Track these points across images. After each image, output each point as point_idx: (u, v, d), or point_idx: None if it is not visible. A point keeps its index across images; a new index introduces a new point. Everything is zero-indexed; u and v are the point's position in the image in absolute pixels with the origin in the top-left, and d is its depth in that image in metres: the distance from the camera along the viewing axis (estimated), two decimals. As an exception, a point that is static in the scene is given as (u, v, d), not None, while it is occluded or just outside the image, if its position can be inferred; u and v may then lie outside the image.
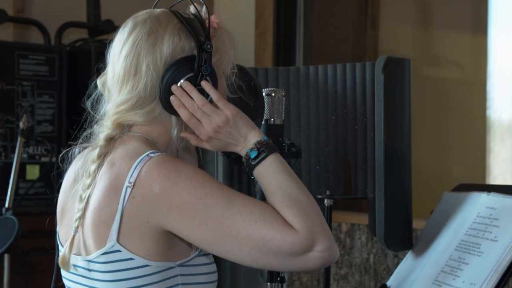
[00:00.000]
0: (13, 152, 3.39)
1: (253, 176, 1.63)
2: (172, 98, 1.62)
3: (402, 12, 4.95)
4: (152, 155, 1.56)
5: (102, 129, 1.65)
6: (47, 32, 3.80)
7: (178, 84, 1.61)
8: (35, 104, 3.53)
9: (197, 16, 1.67)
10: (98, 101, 1.71)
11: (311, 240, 1.50)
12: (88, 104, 1.72)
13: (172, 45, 1.62)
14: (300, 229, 1.50)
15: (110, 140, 1.64)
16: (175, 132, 1.66)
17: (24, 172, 3.49)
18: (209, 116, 1.62)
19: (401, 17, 4.93)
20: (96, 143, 1.65)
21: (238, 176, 2.28)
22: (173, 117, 1.65)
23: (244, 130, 1.63)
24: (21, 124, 3.13)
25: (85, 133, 1.70)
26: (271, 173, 1.59)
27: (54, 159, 3.54)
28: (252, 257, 1.51)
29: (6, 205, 3.00)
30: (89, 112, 1.71)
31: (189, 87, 1.62)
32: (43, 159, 3.55)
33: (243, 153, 1.63)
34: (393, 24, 4.81)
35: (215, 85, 1.64)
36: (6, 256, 2.98)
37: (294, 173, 1.60)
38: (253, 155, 1.60)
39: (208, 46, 1.63)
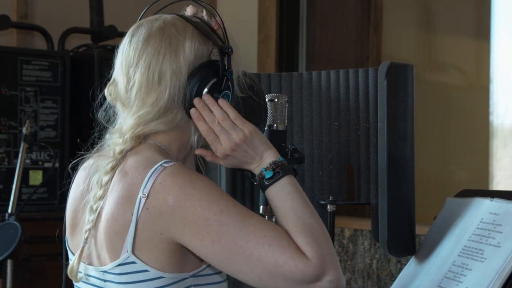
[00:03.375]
0: (16, 157, 3.39)
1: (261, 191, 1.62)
2: (192, 110, 1.61)
3: (405, 17, 4.95)
4: (165, 165, 1.54)
5: (117, 141, 1.62)
6: (50, 38, 3.80)
7: (204, 92, 1.61)
8: (38, 109, 3.53)
9: (204, 20, 1.67)
10: (107, 111, 1.70)
11: (322, 269, 1.49)
12: (101, 115, 1.70)
13: (193, 51, 1.61)
14: (312, 258, 1.49)
15: (126, 152, 1.62)
16: (196, 137, 1.65)
17: (27, 178, 3.49)
18: (228, 132, 1.61)
19: (403, 22, 4.93)
20: (110, 155, 1.62)
21: (241, 183, 2.28)
22: (192, 123, 1.64)
23: (261, 149, 1.62)
24: (24, 130, 3.13)
25: (99, 144, 1.68)
26: (284, 195, 1.58)
27: (57, 165, 3.54)
28: (261, 279, 1.50)
29: (9, 210, 3.00)
30: (101, 123, 1.69)
31: (210, 100, 1.61)
32: (46, 165, 3.55)
33: (257, 171, 1.62)
34: (396, 29, 4.81)
35: (233, 88, 1.65)
36: (9, 262, 2.98)
37: (307, 197, 1.59)
38: (268, 175, 1.59)
39: (230, 50, 1.62)
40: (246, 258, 1.49)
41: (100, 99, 1.70)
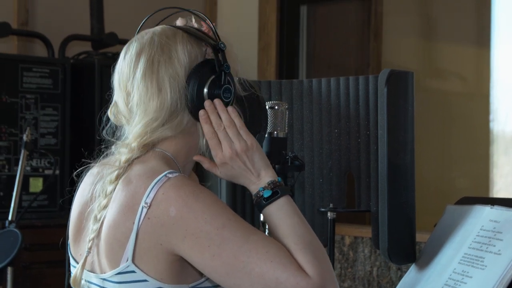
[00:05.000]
0: (17, 164, 3.39)
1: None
2: (201, 112, 1.62)
3: (405, 24, 4.96)
4: (169, 175, 1.54)
5: (124, 150, 1.62)
6: (51, 45, 3.81)
7: (205, 91, 1.61)
8: (39, 117, 3.53)
9: (193, 26, 1.68)
10: (111, 128, 1.70)
11: (323, 287, 1.49)
12: (105, 133, 1.69)
13: (187, 53, 1.62)
14: (313, 276, 1.49)
15: (132, 161, 1.62)
16: (204, 141, 1.65)
17: (28, 185, 3.49)
18: (231, 140, 1.62)
19: (404, 30, 4.94)
20: (116, 164, 1.62)
21: (241, 193, 2.28)
22: (200, 125, 1.64)
23: (259, 165, 1.63)
24: (24, 137, 3.13)
25: (105, 153, 1.68)
26: (283, 214, 1.58)
27: (57, 172, 3.54)
28: None
29: (10, 217, 3.00)
30: (107, 138, 1.69)
31: (220, 106, 1.62)
32: (47, 172, 3.55)
33: (253, 190, 1.63)
34: (396, 36, 4.82)
35: (233, 83, 1.65)
36: (9, 269, 2.98)
37: (303, 217, 1.60)
38: (266, 194, 1.60)
39: (222, 45, 1.63)
40: (246, 274, 1.49)
41: (104, 120, 1.70)
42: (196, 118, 1.63)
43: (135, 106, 1.62)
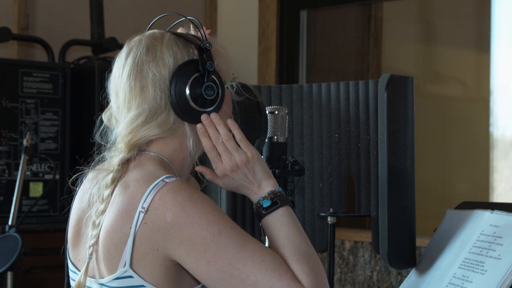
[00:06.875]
0: (17, 169, 3.40)
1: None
2: (198, 126, 1.63)
3: (405, 29, 4.96)
4: (167, 180, 1.55)
5: (116, 153, 1.64)
6: (51, 50, 3.81)
7: (187, 93, 1.62)
8: (39, 121, 3.53)
9: (188, 33, 1.69)
10: (106, 133, 1.71)
11: None
12: (97, 137, 1.71)
13: (172, 53, 1.63)
14: (308, 287, 1.50)
15: (125, 163, 1.63)
16: (191, 142, 1.65)
17: (28, 190, 3.49)
18: (230, 153, 1.63)
19: (404, 35, 4.94)
20: (110, 167, 1.64)
21: (241, 203, 2.28)
22: (187, 125, 1.65)
23: (260, 176, 1.64)
24: (24, 142, 3.14)
25: (97, 158, 1.69)
26: (282, 224, 1.59)
27: (57, 177, 3.55)
28: None
29: (10, 222, 3.00)
30: (100, 143, 1.70)
31: (217, 119, 1.64)
32: (47, 177, 3.55)
33: (254, 199, 1.64)
34: (396, 42, 4.82)
35: (221, 83, 1.65)
36: (9, 274, 2.98)
37: (302, 228, 1.61)
38: (266, 204, 1.61)
39: (208, 44, 1.64)
40: (241, 281, 1.49)
41: (98, 123, 1.71)
42: (180, 116, 1.63)
43: (121, 106, 1.64)
